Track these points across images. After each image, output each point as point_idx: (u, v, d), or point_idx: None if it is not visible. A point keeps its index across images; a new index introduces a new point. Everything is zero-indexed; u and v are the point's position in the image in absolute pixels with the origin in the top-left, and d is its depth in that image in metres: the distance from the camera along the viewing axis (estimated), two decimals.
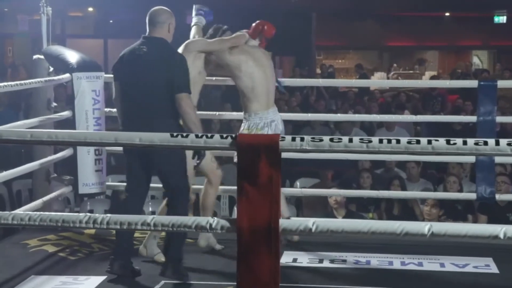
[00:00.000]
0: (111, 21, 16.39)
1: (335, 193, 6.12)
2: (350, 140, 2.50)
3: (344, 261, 4.89)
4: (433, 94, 11.52)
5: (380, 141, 2.50)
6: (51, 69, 5.73)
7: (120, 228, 2.63)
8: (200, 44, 4.91)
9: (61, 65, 5.61)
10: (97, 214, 2.62)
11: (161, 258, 4.74)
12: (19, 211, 5.11)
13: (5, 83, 5.31)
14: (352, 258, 4.93)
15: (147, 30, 4.42)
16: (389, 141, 2.50)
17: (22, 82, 5.42)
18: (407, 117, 8.13)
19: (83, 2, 15.15)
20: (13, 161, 8.33)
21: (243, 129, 4.94)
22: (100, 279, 4.46)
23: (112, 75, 4.58)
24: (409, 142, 2.49)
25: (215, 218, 2.59)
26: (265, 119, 4.90)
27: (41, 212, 2.65)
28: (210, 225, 2.55)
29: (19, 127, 5.10)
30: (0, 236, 6.79)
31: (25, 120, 5.66)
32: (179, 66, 4.32)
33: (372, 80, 15.40)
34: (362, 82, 11.13)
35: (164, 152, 4.22)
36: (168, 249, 4.42)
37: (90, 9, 16.67)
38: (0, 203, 7.88)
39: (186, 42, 4.92)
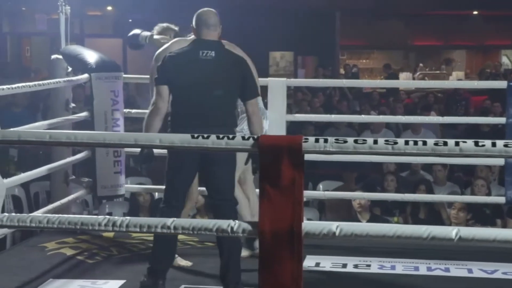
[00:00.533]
0: (130, 21, 16.44)
1: (359, 196, 6.11)
2: (375, 142, 2.49)
3: (369, 266, 4.87)
4: (456, 98, 11.46)
5: (406, 142, 2.49)
6: (70, 69, 5.77)
7: (140, 231, 2.63)
8: None
9: (80, 65, 5.64)
10: (116, 217, 2.64)
11: (180, 262, 4.75)
12: (37, 213, 5.14)
13: (23, 84, 5.35)
14: (377, 263, 4.91)
15: (200, 33, 4.29)
16: (415, 142, 2.49)
17: (40, 82, 5.46)
18: (434, 119, 8.07)
19: (102, 1, 15.24)
20: (31, 163, 8.40)
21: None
22: (119, 283, 4.48)
23: (151, 77, 4.47)
24: (436, 144, 2.48)
25: (237, 221, 2.59)
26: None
27: (60, 215, 2.67)
28: (232, 228, 2.56)
29: (37, 128, 5.14)
30: (18, 239, 6.84)
31: (43, 121, 5.70)
32: (249, 70, 4.31)
33: (395, 80, 15.33)
34: (386, 83, 11.08)
35: (221, 159, 4.21)
36: (227, 274, 4.25)
37: (109, 8, 16.76)
38: (18, 205, 7.93)
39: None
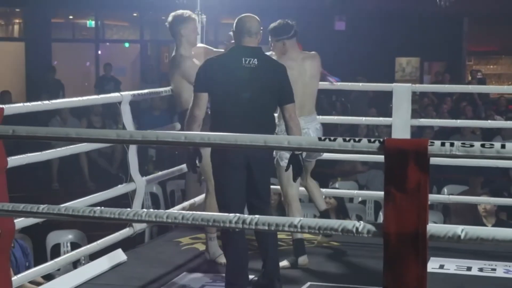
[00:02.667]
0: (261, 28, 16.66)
1: (484, 201, 5.92)
2: (503, 146, 2.40)
3: (494, 270, 4.71)
4: None
5: None
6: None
7: (268, 230, 2.65)
8: None
9: None
10: (245, 215, 2.66)
11: (222, 259, 4.68)
12: (173, 210, 5.28)
13: (151, 90, 5.51)
14: (502, 267, 4.74)
15: (241, 40, 4.20)
16: None
17: (165, 89, 5.59)
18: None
19: (235, 9, 15.48)
20: (167, 162, 8.65)
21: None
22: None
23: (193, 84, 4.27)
24: None
25: (361, 222, 2.56)
26: None
27: (193, 212, 2.72)
28: (357, 229, 2.53)
29: (173, 130, 5.29)
30: (155, 234, 7.06)
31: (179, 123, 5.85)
32: (287, 77, 4.26)
33: None
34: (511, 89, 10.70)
35: (263, 165, 4.21)
36: (269, 270, 4.24)
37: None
38: (155, 202, 8.19)
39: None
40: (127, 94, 4.95)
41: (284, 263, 4.69)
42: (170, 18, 5.00)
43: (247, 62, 4.11)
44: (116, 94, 5.01)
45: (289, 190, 4.83)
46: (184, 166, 5.68)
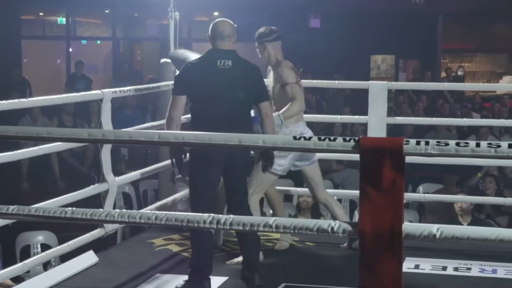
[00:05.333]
0: (235, 25, 16.67)
1: (459, 199, 5.97)
2: (478, 145, 2.42)
3: (469, 269, 4.76)
4: None
5: (510, 146, 2.41)
6: (177, 72, 5.87)
7: (243, 229, 2.65)
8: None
9: None
10: (220, 215, 2.66)
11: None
12: (145, 210, 5.27)
13: (134, 87, 5.50)
14: (478, 267, 4.78)
15: (215, 43, 4.41)
16: None
17: (150, 85, 5.60)
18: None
19: (209, 7, 15.46)
20: (140, 162, 8.61)
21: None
22: (222, 279, 4.53)
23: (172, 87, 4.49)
24: None
25: (337, 221, 2.57)
26: (295, 132, 4.91)
27: (167, 212, 2.71)
28: (332, 228, 2.54)
29: (146, 129, 5.27)
30: (128, 234, 7.03)
31: (152, 122, 5.83)
32: (261, 77, 4.49)
33: (497, 84, 14.91)
34: (487, 86, 10.81)
35: (242, 163, 4.43)
36: (249, 266, 4.42)
37: (216, 13, 16.99)
38: (128, 202, 8.16)
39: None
40: (108, 92, 4.91)
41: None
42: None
43: (221, 64, 4.32)
44: (97, 91, 4.97)
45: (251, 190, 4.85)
46: (157, 165, 5.67)
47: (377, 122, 5.60)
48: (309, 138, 2.60)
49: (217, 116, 4.29)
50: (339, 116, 6.45)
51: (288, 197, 7.67)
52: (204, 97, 4.34)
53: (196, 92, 4.35)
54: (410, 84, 11.58)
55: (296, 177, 6.84)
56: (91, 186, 4.86)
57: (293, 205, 7.31)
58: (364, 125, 5.92)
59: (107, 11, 17.19)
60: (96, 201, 4.84)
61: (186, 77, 4.36)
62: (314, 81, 5.58)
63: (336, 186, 8.30)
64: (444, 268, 4.77)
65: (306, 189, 5.51)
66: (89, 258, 4.79)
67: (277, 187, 5.41)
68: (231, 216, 2.66)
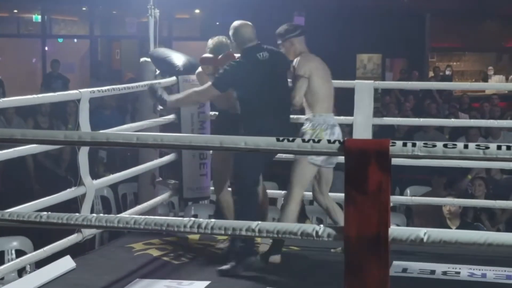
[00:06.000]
0: (217, 23, 16.65)
1: (447, 202, 5.99)
2: (466, 146, 2.43)
3: (458, 273, 4.78)
4: None
5: (499, 147, 2.42)
6: (158, 72, 5.86)
7: (224, 233, 2.65)
8: None
9: (168, 68, 5.73)
10: (201, 219, 2.66)
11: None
12: (124, 214, 5.25)
13: (113, 87, 5.47)
14: (466, 271, 4.81)
15: (245, 43, 4.97)
16: (508, 147, 2.42)
17: (129, 85, 5.57)
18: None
19: (190, 4, 15.46)
20: (119, 164, 8.58)
21: (307, 128, 5.04)
22: (204, 283, 4.53)
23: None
24: None
25: (322, 225, 2.58)
26: (328, 122, 5.03)
27: (146, 216, 2.71)
28: (317, 232, 2.54)
29: (125, 130, 5.25)
30: (106, 239, 7.00)
31: (132, 124, 5.82)
32: (288, 59, 5.10)
33: (485, 83, 14.98)
34: (476, 85, 10.85)
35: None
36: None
37: (197, 11, 16.98)
38: (106, 206, 8.12)
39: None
40: (86, 91, 4.88)
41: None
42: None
43: (261, 57, 4.95)
44: (75, 91, 4.94)
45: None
46: (137, 168, 5.66)
47: (362, 122, 5.60)
48: (293, 140, 2.60)
49: (266, 105, 4.90)
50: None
51: (272, 200, 7.67)
52: (253, 88, 4.89)
53: (245, 86, 4.90)
54: (397, 83, 11.62)
55: (281, 180, 6.85)
56: (68, 190, 4.83)
57: (277, 209, 7.31)
58: (350, 126, 5.92)
59: (84, 9, 17.14)
60: (73, 205, 4.82)
61: (234, 74, 4.87)
62: None
63: None
64: (433, 272, 4.79)
65: None
66: (66, 263, 4.77)
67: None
68: (212, 220, 2.66)
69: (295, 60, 5.09)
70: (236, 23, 5.02)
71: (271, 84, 4.94)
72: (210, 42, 5.34)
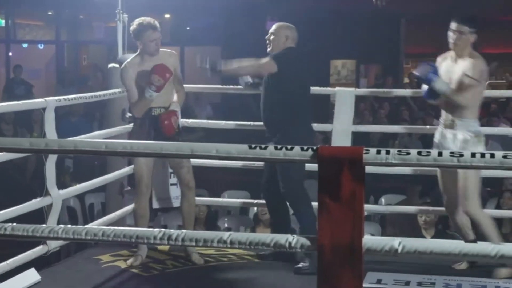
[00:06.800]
0: (187, 28, 16.64)
1: (422, 211, 6.03)
2: (440, 154, 2.47)
3: (433, 284, 4.81)
4: None
5: (473, 155, 2.46)
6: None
7: (196, 245, 2.65)
8: None
9: None
10: (172, 230, 2.66)
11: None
12: (91, 225, 5.22)
13: (80, 95, 5.46)
14: (442, 281, 4.84)
15: (291, 43, 5.28)
16: (483, 155, 2.45)
17: (97, 93, 5.56)
18: (504, 130, 7.90)
19: (159, 9, 15.43)
20: (86, 173, 8.53)
21: (466, 137, 4.97)
22: None
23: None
24: (504, 157, 2.44)
25: (295, 235, 2.59)
26: (478, 127, 5.05)
27: (115, 227, 2.70)
28: (290, 243, 2.55)
29: (93, 138, 5.23)
30: (73, 251, 6.95)
31: (100, 131, 5.80)
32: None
33: None
34: None
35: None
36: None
37: (167, 15, 16.96)
38: (73, 217, 8.08)
39: None
40: (52, 100, 4.87)
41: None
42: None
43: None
44: (40, 99, 4.92)
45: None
46: (104, 177, 5.63)
47: (342, 130, 5.60)
48: (265, 147, 2.61)
49: (308, 102, 5.18)
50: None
51: (244, 209, 7.68)
52: (302, 82, 5.17)
53: (297, 77, 5.11)
54: (377, 90, 11.62)
55: (253, 189, 6.86)
56: (33, 200, 4.80)
57: (249, 218, 7.33)
58: (323, 134, 5.94)
59: (50, 13, 17.03)
60: (37, 215, 4.79)
61: (291, 56, 5.16)
62: None
63: None
64: (407, 283, 4.82)
65: (263, 201, 5.51)
66: (31, 276, 4.73)
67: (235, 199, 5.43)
68: (183, 231, 2.66)
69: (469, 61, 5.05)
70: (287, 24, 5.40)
71: (309, 84, 5.26)
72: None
